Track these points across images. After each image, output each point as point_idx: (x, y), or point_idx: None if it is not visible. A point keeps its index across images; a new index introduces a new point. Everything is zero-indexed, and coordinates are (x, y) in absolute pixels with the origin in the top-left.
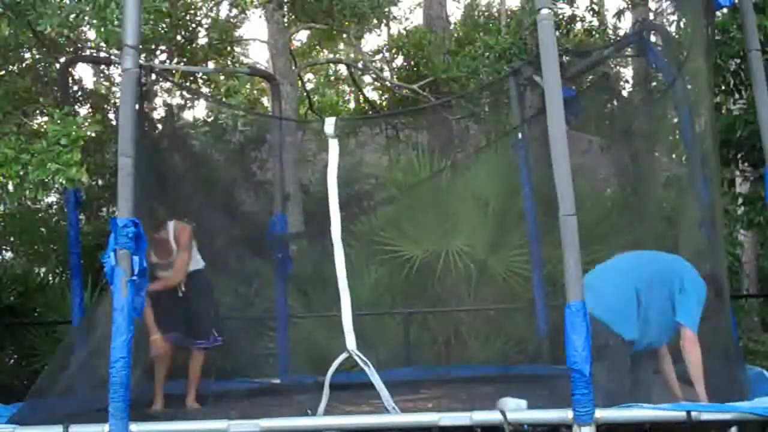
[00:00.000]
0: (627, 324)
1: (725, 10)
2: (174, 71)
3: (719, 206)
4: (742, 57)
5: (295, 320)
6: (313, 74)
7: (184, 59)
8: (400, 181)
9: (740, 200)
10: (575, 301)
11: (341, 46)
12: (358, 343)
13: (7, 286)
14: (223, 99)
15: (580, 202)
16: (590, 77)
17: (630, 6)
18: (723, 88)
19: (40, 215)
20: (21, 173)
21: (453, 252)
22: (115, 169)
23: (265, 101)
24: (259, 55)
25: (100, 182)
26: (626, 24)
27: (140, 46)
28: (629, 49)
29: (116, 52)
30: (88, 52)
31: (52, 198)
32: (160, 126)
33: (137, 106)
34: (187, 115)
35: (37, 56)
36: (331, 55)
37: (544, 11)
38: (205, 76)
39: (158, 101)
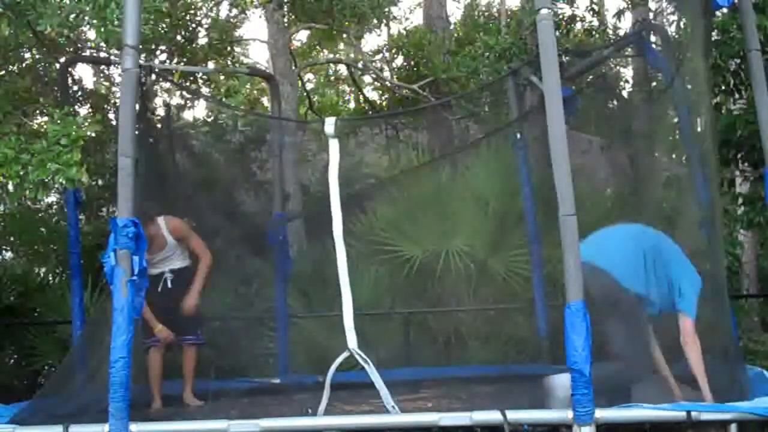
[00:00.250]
0: (636, 279)
1: (725, 10)
2: (174, 71)
3: (719, 206)
4: (742, 57)
5: (295, 320)
6: (313, 74)
7: (184, 59)
8: (400, 181)
9: (740, 200)
10: (575, 301)
11: (341, 46)
12: (359, 343)
13: (7, 286)
14: (223, 99)
15: (580, 202)
16: (590, 77)
17: (630, 6)
18: (723, 88)
19: (40, 215)
20: (21, 173)
21: (453, 252)
22: (115, 169)
23: (265, 101)
24: (259, 55)
25: (100, 182)
26: (626, 24)
27: (140, 46)
28: (629, 49)
29: (116, 52)
30: (88, 52)
31: (52, 198)
32: (159, 126)
33: (138, 106)
34: (187, 115)
35: (37, 56)
36: (331, 55)
37: (544, 11)
38: (205, 76)
39: (158, 101)
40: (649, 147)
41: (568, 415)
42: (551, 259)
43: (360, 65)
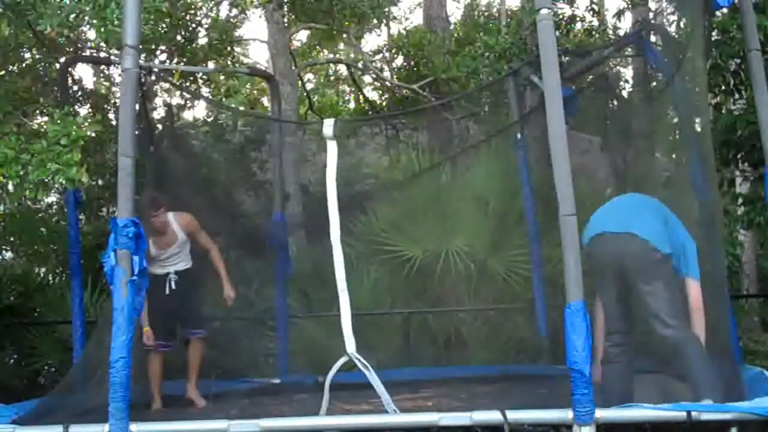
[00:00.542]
0: (662, 240)
1: (725, 10)
2: (174, 71)
3: (719, 206)
4: (742, 57)
5: (295, 320)
6: (313, 74)
7: (184, 59)
8: (400, 181)
9: (740, 200)
10: (575, 301)
11: (341, 46)
12: (358, 344)
13: (7, 286)
14: (223, 99)
15: (580, 202)
16: (590, 77)
17: (630, 6)
18: (723, 88)
19: (40, 215)
20: (21, 173)
21: (453, 252)
22: (115, 169)
23: (265, 101)
24: (259, 55)
25: (100, 182)
26: (626, 24)
27: (140, 46)
28: (629, 49)
29: (116, 52)
30: (88, 52)
31: (52, 198)
32: (159, 126)
33: (138, 106)
34: (187, 115)
35: (37, 56)
36: (331, 55)
37: (544, 11)
38: (205, 76)
39: (158, 101)
40: (649, 147)
41: (568, 415)
42: (551, 259)
43: (360, 65)
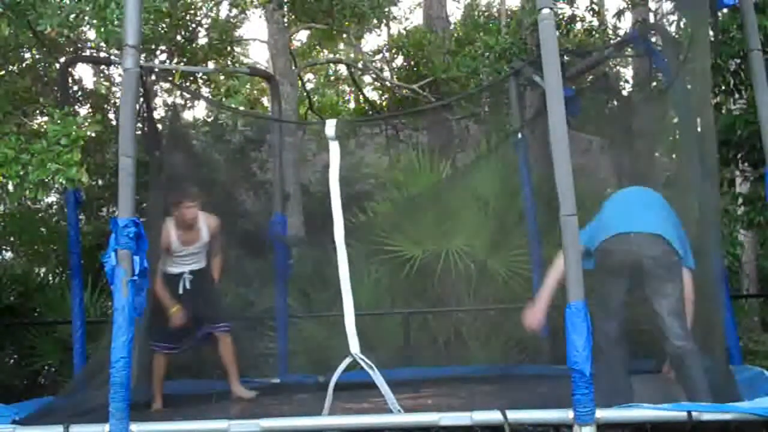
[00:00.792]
0: (676, 240)
1: (725, 10)
2: (174, 71)
3: (719, 206)
4: (742, 57)
5: (294, 320)
6: (313, 74)
7: (184, 59)
8: (400, 181)
9: (740, 200)
10: (575, 301)
11: (341, 46)
12: (360, 344)
13: (7, 286)
14: (223, 99)
15: (580, 202)
16: (590, 77)
17: (630, 6)
18: (723, 88)
19: (40, 215)
20: (21, 173)
21: (453, 252)
22: (115, 169)
23: (265, 101)
24: (259, 55)
25: (100, 182)
26: (626, 24)
27: (140, 46)
28: (629, 49)
29: (116, 52)
30: (88, 52)
31: (52, 198)
32: (163, 127)
33: (144, 108)
34: (187, 115)
35: (37, 56)
36: (331, 55)
37: (545, 11)
38: (205, 76)
39: (158, 101)
40: (649, 147)
41: (569, 415)
42: (551, 259)
43: (360, 65)
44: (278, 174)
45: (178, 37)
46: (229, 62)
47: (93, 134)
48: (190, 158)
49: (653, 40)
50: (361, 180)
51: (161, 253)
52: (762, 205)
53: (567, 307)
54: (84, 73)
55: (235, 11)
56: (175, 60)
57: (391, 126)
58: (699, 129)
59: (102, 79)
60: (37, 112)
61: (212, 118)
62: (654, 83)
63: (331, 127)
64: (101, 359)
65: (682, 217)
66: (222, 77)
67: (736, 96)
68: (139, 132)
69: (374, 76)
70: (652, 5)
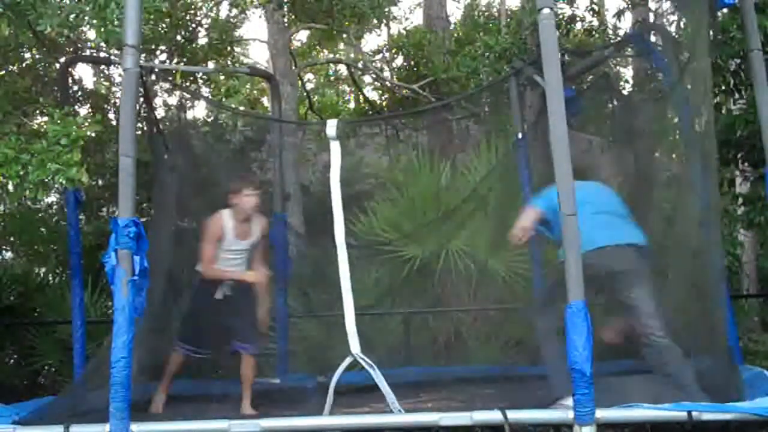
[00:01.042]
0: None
1: (725, 10)
2: (174, 71)
3: (719, 206)
4: (742, 57)
5: (295, 320)
6: (313, 74)
7: (184, 59)
8: (400, 181)
9: (740, 200)
10: (575, 301)
11: (341, 46)
12: (360, 344)
13: (7, 286)
14: (223, 99)
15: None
16: (590, 77)
17: (630, 6)
18: (723, 88)
19: (40, 215)
20: (21, 173)
21: (453, 252)
22: (115, 169)
23: (265, 101)
24: (259, 55)
25: (100, 182)
26: (626, 24)
27: (140, 46)
28: (629, 49)
29: (116, 52)
30: (88, 52)
31: (52, 198)
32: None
33: (140, 106)
34: (187, 115)
35: (37, 56)
36: (331, 55)
37: (545, 11)
38: (205, 76)
39: (158, 101)
40: (649, 147)
41: (569, 415)
42: (551, 259)
43: (360, 65)
44: (278, 174)
45: (178, 37)
46: (229, 62)
47: (93, 134)
48: (192, 158)
49: (653, 40)
50: (361, 180)
51: (206, 247)
52: (762, 205)
53: (567, 307)
54: (84, 73)
55: (235, 11)
56: (175, 60)
57: (391, 126)
58: (699, 129)
59: (102, 79)
60: (37, 112)
61: (212, 118)
62: (654, 83)
63: (332, 127)
64: (102, 359)
65: (683, 217)
66: (222, 77)
67: (736, 96)
68: (140, 132)
69: (374, 76)
70: (652, 5)
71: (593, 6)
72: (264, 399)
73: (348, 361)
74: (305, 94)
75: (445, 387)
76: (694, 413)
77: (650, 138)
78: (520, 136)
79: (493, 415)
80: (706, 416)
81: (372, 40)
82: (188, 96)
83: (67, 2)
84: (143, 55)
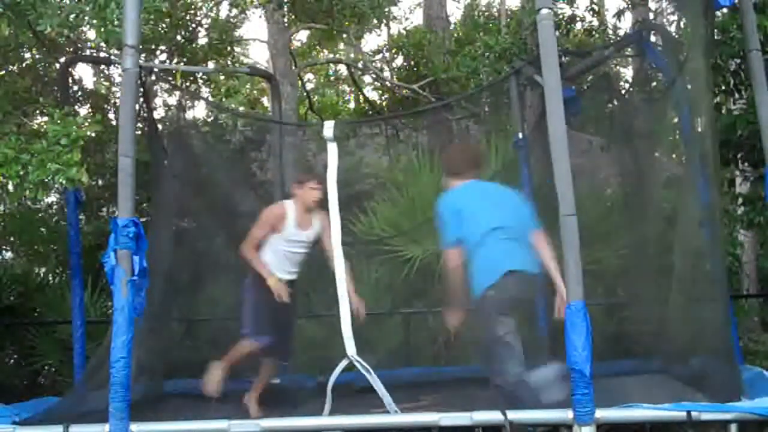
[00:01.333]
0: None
1: (725, 10)
2: (174, 71)
3: (719, 206)
4: (742, 57)
5: None
6: (313, 74)
7: (184, 59)
8: (400, 181)
9: (740, 200)
10: (575, 301)
11: (341, 46)
12: (358, 344)
13: (7, 286)
14: (223, 99)
15: (580, 202)
16: (590, 77)
17: (630, 6)
18: (723, 88)
19: (40, 215)
20: (21, 173)
21: None
22: (115, 169)
23: (265, 101)
24: (259, 55)
25: (100, 182)
26: (626, 24)
27: (140, 46)
28: (629, 49)
29: (116, 52)
30: (88, 52)
31: (52, 198)
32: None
33: (140, 106)
34: (187, 115)
35: (37, 56)
36: (331, 55)
37: (544, 11)
38: (205, 76)
39: (158, 101)
40: (649, 147)
41: (569, 415)
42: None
43: (360, 65)
44: (278, 174)
45: (178, 37)
46: (229, 62)
47: (93, 134)
48: (191, 158)
49: (653, 39)
50: (361, 180)
51: (255, 231)
52: (762, 205)
53: (567, 307)
54: (84, 73)
55: (235, 11)
56: (175, 60)
57: (391, 126)
58: (699, 129)
59: (102, 79)
60: (37, 112)
61: (212, 118)
62: (654, 83)
63: (329, 128)
64: (101, 359)
65: (683, 216)
66: (222, 77)
67: (736, 96)
68: (139, 132)
69: (374, 76)
70: (652, 5)
71: (593, 6)
72: (264, 399)
73: (344, 363)
74: (305, 94)
75: (445, 387)
76: (693, 413)
77: (650, 138)
78: (520, 136)
79: (493, 415)
80: (706, 416)
81: (372, 40)
82: (188, 96)
83: (67, 2)
84: (143, 55)
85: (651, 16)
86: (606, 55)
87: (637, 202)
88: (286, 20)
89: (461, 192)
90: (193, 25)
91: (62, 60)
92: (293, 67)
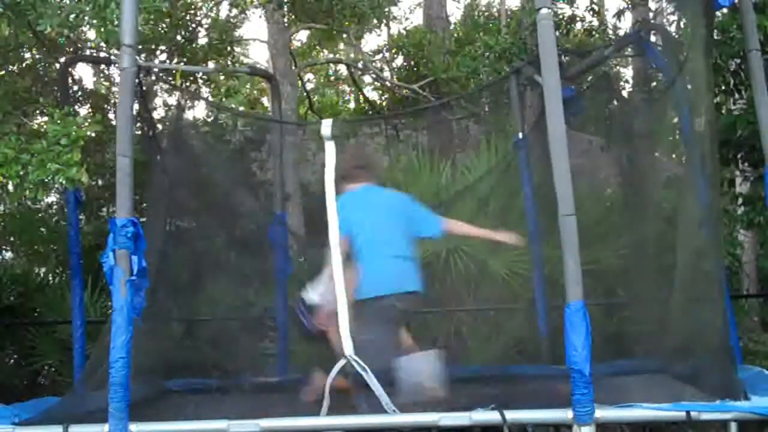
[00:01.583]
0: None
1: (725, 10)
2: (174, 71)
3: (719, 206)
4: (742, 57)
5: None
6: (313, 74)
7: (184, 59)
8: (400, 181)
9: (740, 200)
10: (575, 301)
11: (341, 46)
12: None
13: (7, 286)
14: (223, 99)
15: (580, 202)
16: (590, 77)
17: (630, 6)
18: (723, 88)
19: (40, 215)
20: (21, 173)
21: (453, 252)
22: (114, 169)
23: (265, 101)
24: (259, 55)
25: (100, 182)
26: (626, 24)
27: (140, 46)
28: (629, 49)
29: (116, 52)
30: (88, 52)
31: (52, 198)
32: (162, 127)
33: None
34: (187, 115)
35: (37, 56)
36: (331, 55)
37: (544, 11)
38: (205, 76)
39: (158, 101)
40: (649, 147)
41: (568, 415)
42: (551, 259)
43: (360, 65)
44: (278, 174)
45: (178, 37)
46: (229, 62)
47: (93, 134)
48: (191, 158)
49: (653, 39)
50: None
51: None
52: (762, 205)
53: (566, 307)
54: (84, 73)
55: (235, 11)
56: (175, 60)
57: (391, 126)
58: (699, 129)
59: (102, 79)
60: (37, 112)
61: (212, 118)
62: (654, 83)
63: (326, 127)
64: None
65: (683, 216)
66: (222, 77)
67: (736, 96)
68: (138, 132)
69: (374, 76)
70: (652, 5)
71: (593, 6)
72: (264, 399)
73: (341, 363)
74: (305, 94)
75: (445, 387)
76: (693, 413)
77: (650, 138)
78: (520, 136)
79: (493, 415)
80: (706, 416)
81: (372, 40)
82: (188, 96)
83: (67, 2)
84: (143, 55)
85: (651, 16)
86: (606, 55)
87: (636, 202)
88: (286, 20)
89: (349, 199)
90: (193, 25)
91: (62, 60)
92: (293, 67)
